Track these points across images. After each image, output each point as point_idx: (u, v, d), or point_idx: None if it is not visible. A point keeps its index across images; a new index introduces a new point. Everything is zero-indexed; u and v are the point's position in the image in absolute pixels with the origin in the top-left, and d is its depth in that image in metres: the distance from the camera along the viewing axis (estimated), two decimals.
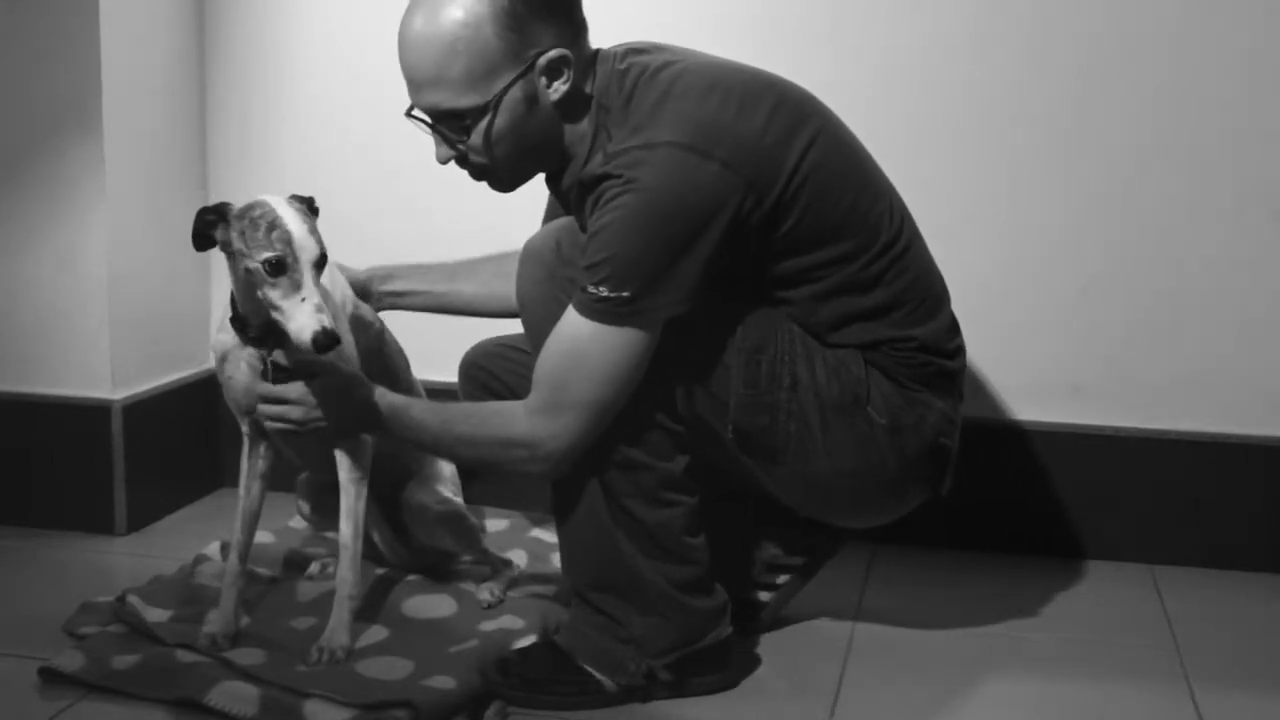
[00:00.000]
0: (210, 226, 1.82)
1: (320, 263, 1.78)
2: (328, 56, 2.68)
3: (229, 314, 1.90)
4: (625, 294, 1.72)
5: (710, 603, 1.89)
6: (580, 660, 1.87)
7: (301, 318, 1.74)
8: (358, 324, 2.03)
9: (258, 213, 1.78)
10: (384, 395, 1.87)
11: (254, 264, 1.77)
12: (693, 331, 1.79)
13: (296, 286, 1.75)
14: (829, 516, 2.00)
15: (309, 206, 1.85)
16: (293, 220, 1.77)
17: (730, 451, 1.87)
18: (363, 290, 2.13)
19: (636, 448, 1.81)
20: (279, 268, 1.75)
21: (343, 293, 2.02)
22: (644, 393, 1.78)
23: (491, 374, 2.09)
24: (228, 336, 1.91)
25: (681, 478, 1.85)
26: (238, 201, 1.82)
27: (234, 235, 1.79)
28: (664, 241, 1.73)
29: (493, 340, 2.13)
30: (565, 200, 1.90)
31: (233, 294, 1.88)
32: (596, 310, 1.73)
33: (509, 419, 1.82)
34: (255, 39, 2.70)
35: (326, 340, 1.73)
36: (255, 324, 1.86)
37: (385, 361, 2.10)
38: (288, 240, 1.75)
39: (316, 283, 1.77)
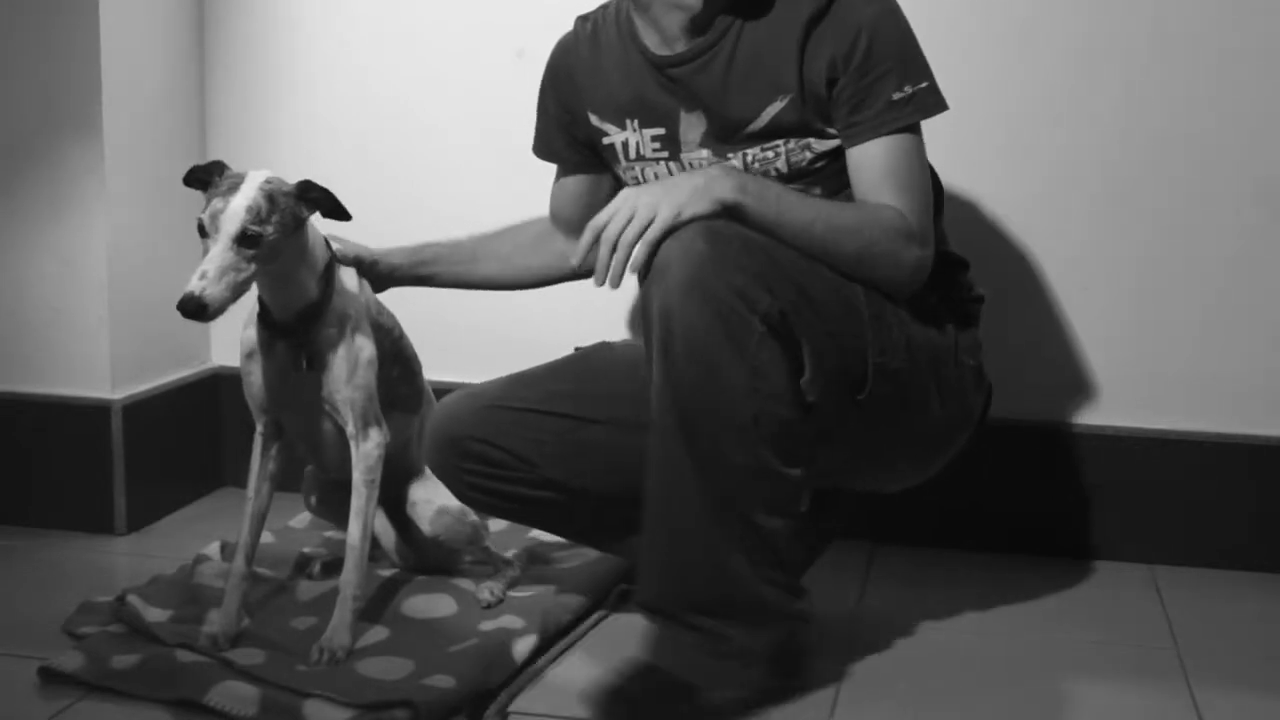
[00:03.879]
0: (202, 185, 1.84)
1: (241, 238, 1.76)
2: (328, 57, 2.68)
3: (256, 309, 1.93)
4: (924, 84, 1.85)
5: (802, 604, 1.84)
6: (682, 676, 1.78)
7: (188, 281, 1.75)
8: (379, 329, 2.03)
9: (224, 179, 1.81)
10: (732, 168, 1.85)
11: None
12: (824, 312, 1.77)
13: (205, 253, 1.77)
14: (894, 482, 2.01)
15: (307, 197, 1.85)
16: (238, 195, 1.78)
17: (840, 427, 1.81)
18: (384, 272, 2.10)
19: (772, 449, 1.72)
20: (201, 232, 1.78)
21: (366, 298, 2.02)
22: (780, 390, 1.71)
23: (491, 444, 1.96)
24: (254, 331, 1.94)
25: (801, 487, 1.78)
26: None
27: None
28: (910, 29, 1.88)
29: (462, 402, 2.00)
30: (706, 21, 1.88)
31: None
32: (908, 111, 1.83)
33: (881, 209, 1.83)
34: (255, 39, 2.70)
35: (188, 304, 1.73)
36: (275, 306, 1.89)
37: (403, 366, 2.11)
38: (216, 211, 1.77)
39: (234, 254, 1.76)
